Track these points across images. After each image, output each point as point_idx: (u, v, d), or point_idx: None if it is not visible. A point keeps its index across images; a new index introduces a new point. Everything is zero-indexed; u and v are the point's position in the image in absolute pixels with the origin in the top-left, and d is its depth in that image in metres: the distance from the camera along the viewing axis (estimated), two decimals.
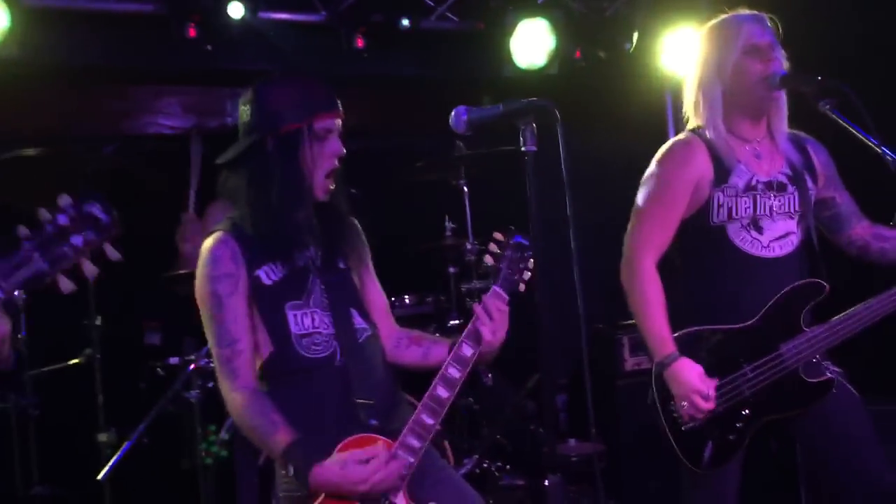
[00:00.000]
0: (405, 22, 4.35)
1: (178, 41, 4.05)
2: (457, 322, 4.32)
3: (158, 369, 4.01)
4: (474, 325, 2.34)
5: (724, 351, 2.72)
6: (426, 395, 2.29)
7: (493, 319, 2.34)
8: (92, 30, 4.20)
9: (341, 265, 2.46)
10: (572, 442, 4.48)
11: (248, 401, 2.27)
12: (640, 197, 2.82)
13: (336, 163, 2.37)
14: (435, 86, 5.06)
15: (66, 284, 1.54)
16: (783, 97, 2.78)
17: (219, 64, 4.38)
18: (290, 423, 2.25)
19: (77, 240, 1.50)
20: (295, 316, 2.33)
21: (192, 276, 4.01)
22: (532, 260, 2.38)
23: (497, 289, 2.37)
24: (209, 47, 4.07)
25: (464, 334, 2.35)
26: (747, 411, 2.71)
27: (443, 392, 2.28)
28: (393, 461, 2.22)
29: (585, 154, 3.24)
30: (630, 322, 4.56)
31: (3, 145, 4.62)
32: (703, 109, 2.78)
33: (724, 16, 2.82)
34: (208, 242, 2.34)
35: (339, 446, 2.23)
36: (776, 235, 2.78)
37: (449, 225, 4.50)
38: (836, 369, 2.76)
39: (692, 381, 2.66)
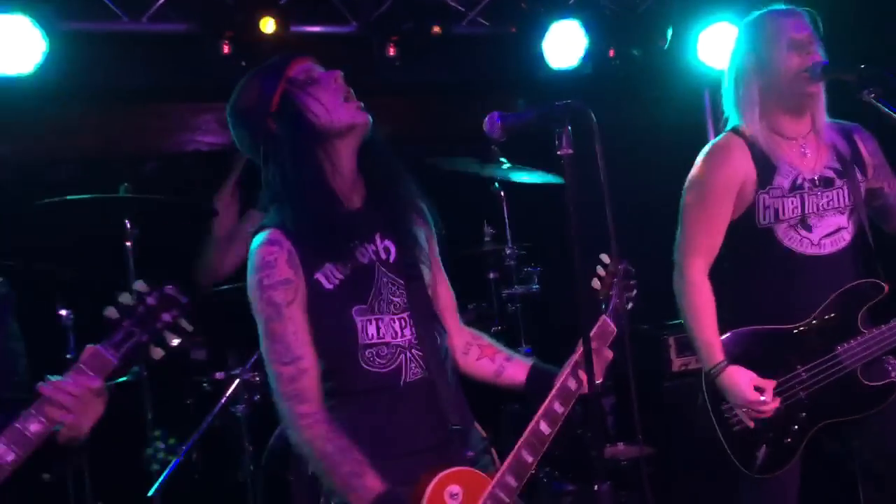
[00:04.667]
0: (436, 29, 4.34)
1: (213, 58, 4.09)
2: (498, 328, 4.29)
3: (205, 384, 4.03)
4: (579, 357, 2.11)
5: (778, 352, 2.68)
6: (527, 430, 2.09)
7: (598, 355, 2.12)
8: (127, 51, 4.27)
9: (415, 256, 2.14)
10: (621, 446, 4.43)
11: (326, 433, 1.99)
12: (684, 203, 2.81)
13: (343, 85, 2.09)
14: (468, 91, 5.05)
15: (157, 352, 1.88)
16: (821, 90, 2.73)
17: None
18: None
19: (166, 317, 1.86)
20: (361, 323, 2.05)
21: (236, 290, 4.07)
22: (636, 290, 2.26)
23: (607, 319, 2.22)
24: (243, 63, 4.10)
25: (568, 365, 2.15)
26: (804, 414, 2.65)
27: (545, 428, 2.10)
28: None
29: (622, 154, 3.21)
30: (675, 322, 4.55)
31: (43, 167, 4.72)
32: (743, 107, 2.74)
33: (762, 11, 2.78)
34: (258, 242, 2.06)
35: (435, 481, 1.97)
36: (826, 232, 2.73)
37: (488, 230, 4.48)
38: None
39: (744, 391, 2.62)
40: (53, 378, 1.82)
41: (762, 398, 2.61)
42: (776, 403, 2.62)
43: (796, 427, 2.65)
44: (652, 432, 4.22)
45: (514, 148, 4.18)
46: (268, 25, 4.06)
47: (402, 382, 2.06)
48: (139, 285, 1.86)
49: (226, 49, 4.07)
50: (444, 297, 2.26)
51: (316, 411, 2.01)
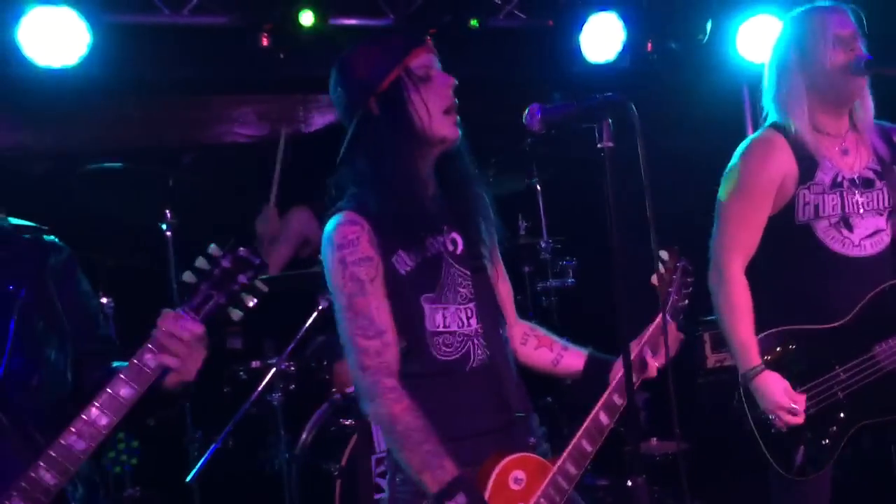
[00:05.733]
0: (473, 22, 4.35)
1: (252, 51, 4.13)
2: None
3: (241, 373, 4.08)
4: (641, 352, 2.21)
5: (815, 352, 2.65)
6: (588, 420, 2.14)
7: (654, 353, 2.21)
8: (168, 43, 4.32)
9: (480, 250, 2.20)
10: (654, 441, 4.42)
11: (411, 408, 2.00)
12: (723, 198, 2.76)
13: (451, 95, 2.13)
14: (505, 84, 5.05)
15: (235, 314, 1.87)
16: (867, 89, 2.70)
17: (291, 71, 4.46)
18: None
19: (242, 278, 1.84)
20: (430, 310, 2.09)
21: (273, 280, 4.12)
22: (692, 287, 2.28)
23: (666, 316, 2.22)
24: (281, 55, 4.15)
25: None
26: (842, 415, 2.62)
27: (605, 419, 2.15)
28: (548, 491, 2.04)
29: (660, 149, 3.19)
30: (710, 318, 4.51)
31: (85, 157, 4.80)
32: (786, 103, 2.71)
33: (805, 6, 2.75)
34: (337, 222, 2.07)
35: (500, 466, 2.03)
36: (867, 233, 2.69)
37: (522, 224, 4.48)
38: None
39: (777, 397, 2.60)
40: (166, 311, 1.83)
41: (794, 405, 2.59)
42: (801, 419, 2.59)
43: (834, 428, 2.62)
44: (685, 428, 4.20)
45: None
46: (306, 18, 4.10)
47: (468, 367, 2.10)
48: (213, 249, 1.85)
49: (264, 41, 4.11)
50: (504, 291, 2.30)
51: (400, 386, 2.03)
